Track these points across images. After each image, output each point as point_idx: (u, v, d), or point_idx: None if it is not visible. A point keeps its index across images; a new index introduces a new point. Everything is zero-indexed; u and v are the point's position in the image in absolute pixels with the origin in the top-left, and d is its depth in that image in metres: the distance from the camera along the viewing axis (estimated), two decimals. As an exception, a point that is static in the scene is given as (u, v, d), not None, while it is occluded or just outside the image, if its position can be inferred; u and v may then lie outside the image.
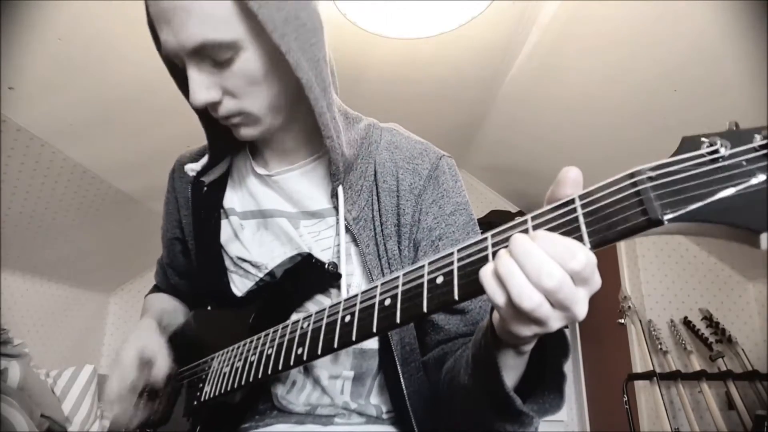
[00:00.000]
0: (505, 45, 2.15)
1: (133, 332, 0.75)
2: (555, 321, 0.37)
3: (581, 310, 0.37)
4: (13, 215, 2.10)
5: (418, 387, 0.68)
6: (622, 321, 2.58)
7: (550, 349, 0.49)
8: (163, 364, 0.70)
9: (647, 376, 2.33)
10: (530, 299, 0.36)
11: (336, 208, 0.71)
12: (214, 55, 0.58)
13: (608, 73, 2.01)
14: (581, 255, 0.35)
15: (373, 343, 0.71)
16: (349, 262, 0.71)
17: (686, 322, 2.54)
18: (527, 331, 0.39)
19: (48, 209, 2.22)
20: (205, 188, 0.79)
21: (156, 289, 1.00)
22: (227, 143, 0.79)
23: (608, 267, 2.92)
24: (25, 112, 1.76)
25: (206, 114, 0.71)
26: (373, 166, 0.73)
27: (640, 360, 2.52)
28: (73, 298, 2.89)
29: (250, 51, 0.60)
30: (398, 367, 0.67)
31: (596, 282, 0.37)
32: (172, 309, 0.90)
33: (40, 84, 1.69)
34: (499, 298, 0.38)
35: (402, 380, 0.66)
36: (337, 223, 0.70)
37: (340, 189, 0.70)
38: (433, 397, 0.69)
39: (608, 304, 2.82)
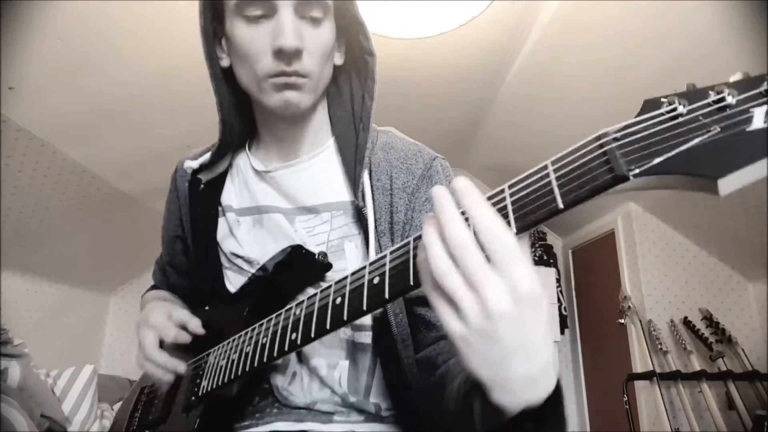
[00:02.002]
0: (505, 45, 2.15)
1: (151, 304, 0.80)
2: (467, 302, 0.36)
3: (492, 296, 0.35)
4: (13, 215, 2.11)
5: (412, 383, 0.68)
6: (622, 321, 2.59)
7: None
8: (196, 321, 0.74)
9: (647, 376, 2.33)
10: (443, 262, 0.36)
11: (356, 194, 0.72)
12: (311, 10, 0.66)
13: (608, 73, 2.01)
14: (500, 233, 0.36)
15: (365, 338, 0.72)
16: (342, 257, 0.72)
17: (686, 322, 2.54)
18: (450, 321, 0.37)
19: (48, 209, 2.22)
20: (203, 186, 0.80)
21: (154, 288, 1.01)
22: (232, 140, 0.80)
23: (608, 267, 2.92)
24: (25, 112, 1.76)
25: (226, 105, 0.74)
26: (368, 166, 0.74)
27: (640, 360, 2.52)
28: (73, 298, 2.89)
29: (329, 24, 0.70)
30: (402, 362, 0.67)
31: (515, 275, 0.35)
32: (176, 303, 0.91)
33: (40, 84, 1.69)
34: (426, 279, 0.39)
35: (408, 375, 0.67)
36: (363, 206, 0.70)
37: (365, 175, 0.72)
38: (424, 394, 0.69)
39: (608, 304, 2.82)
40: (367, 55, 0.74)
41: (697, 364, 2.34)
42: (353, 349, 0.72)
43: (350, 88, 0.79)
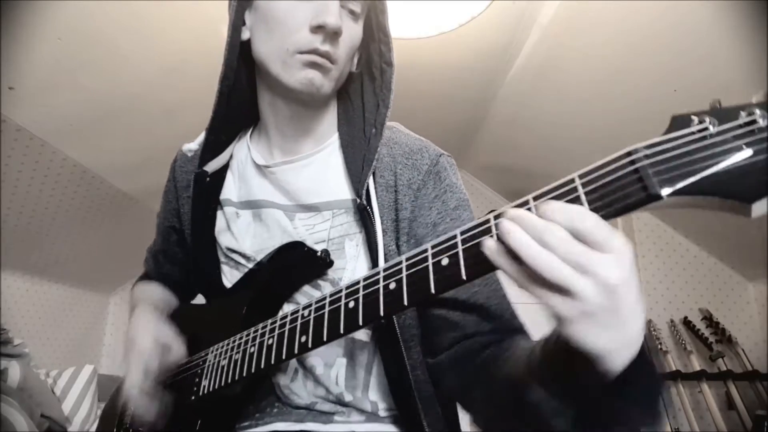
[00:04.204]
0: (505, 45, 2.15)
1: (138, 320, 0.75)
2: (583, 286, 0.36)
3: (606, 273, 0.35)
4: (13, 215, 2.10)
5: (415, 384, 0.68)
6: (622, 321, 2.58)
7: (636, 381, 0.41)
8: (180, 348, 0.72)
9: (647, 376, 2.33)
10: (542, 259, 0.36)
11: (358, 194, 0.71)
12: (355, 2, 0.69)
13: (608, 73, 2.01)
14: (589, 219, 0.35)
15: (362, 335, 0.71)
16: (342, 255, 0.71)
17: (686, 322, 2.54)
18: (564, 306, 0.37)
19: (48, 209, 2.22)
20: (208, 179, 0.79)
21: (144, 277, 0.99)
22: (231, 131, 0.80)
23: (608, 267, 2.92)
24: (25, 112, 1.76)
25: (230, 77, 0.72)
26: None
27: (640, 360, 2.52)
28: (73, 298, 2.89)
29: (361, 24, 0.72)
30: (406, 363, 0.67)
31: (618, 247, 0.36)
32: (164, 300, 0.90)
33: (40, 84, 1.69)
34: (519, 275, 0.38)
35: (411, 376, 0.66)
36: (367, 205, 0.70)
37: (371, 180, 0.71)
38: (440, 395, 0.69)
39: (608, 304, 2.82)
40: (385, 64, 0.75)
41: (697, 364, 2.34)
42: (351, 346, 0.71)
43: (361, 94, 0.78)
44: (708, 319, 2.50)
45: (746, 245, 2.43)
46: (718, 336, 2.45)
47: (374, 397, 0.72)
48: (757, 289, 2.63)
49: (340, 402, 0.70)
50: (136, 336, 0.71)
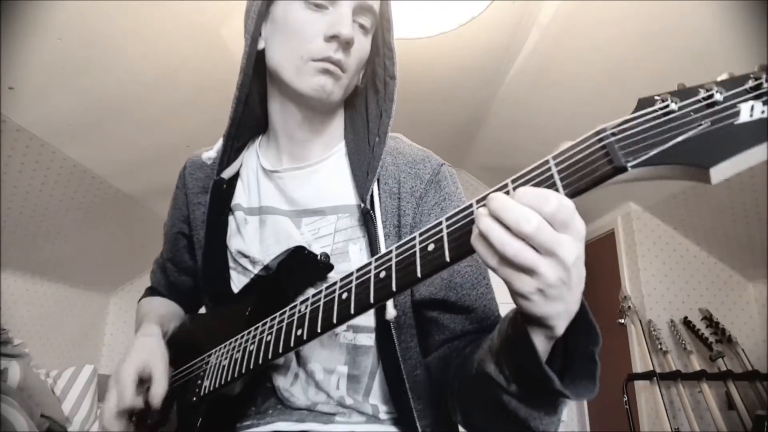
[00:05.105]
0: (505, 45, 2.15)
1: (136, 340, 0.74)
2: (545, 267, 0.39)
3: (566, 254, 0.39)
4: (13, 215, 2.11)
5: (413, 385, 0.69)
6: (622, 321, 2.58)
7: (579, 337, 0.48)
8: (161, 383, 0.68)
9: (647, 376, 2.33)
10: (511, 246, 0.38)
11: (362, 199, 0.72)
12: (364, 17, 0.72)
13: (608, 73, 2.01)
14: (553, 199, 0.38)
15: (367, 340, 0.72)
16: (346, 259, 0.72)
17: (686, 322, 2.54)
18: (525, 285, 0.40)
19: (48, 209, 2.22)
20: (225, 185, 0.81)
21: (150, 291, 1.00)
22: (243, 138, 0.82)
23: (608, 267, 2.92)
24: (25, 112, 1.76)
25: (247, 85, 0.75)
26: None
27: (640, 360, 2.52)
28: (73, 298, 2.89)
29: (370, 39, 0.76)
30: (400, 364, 0.68)
31: (577, 227, 0.39)
32: (170, 314, 0.90)
33: (40, 84, 1.69)
34: (491, 259, 0.40)
35: (405, 376, 0.67)
36: (371, 217, 0.71)
37: (375, 186, 0.73)
38: (436, 395, 0.69)
39: (608, 304, 2.82)
40: (388, 78, 0.79)
41: (697, 364, 2.34)
42: (354, 353, 0.72)
43: (366, 105, 0.82)
44: (708, 319, 2.51)
45: (746, 245, 2.44)
46: (718, 336, 2.45)
47: (375, 401, 0.73)
48: (757, 289, 2.63)
49: (340, 404, 0.71)
50: (123, 363, 0.69)
